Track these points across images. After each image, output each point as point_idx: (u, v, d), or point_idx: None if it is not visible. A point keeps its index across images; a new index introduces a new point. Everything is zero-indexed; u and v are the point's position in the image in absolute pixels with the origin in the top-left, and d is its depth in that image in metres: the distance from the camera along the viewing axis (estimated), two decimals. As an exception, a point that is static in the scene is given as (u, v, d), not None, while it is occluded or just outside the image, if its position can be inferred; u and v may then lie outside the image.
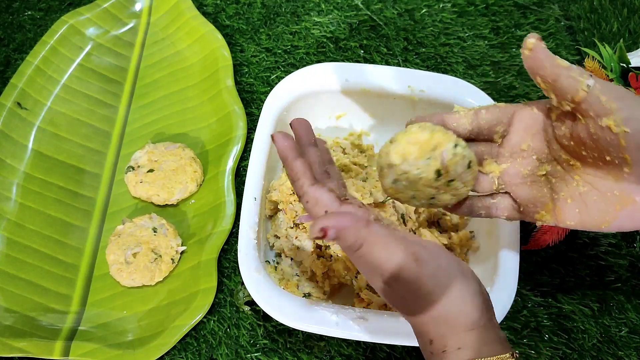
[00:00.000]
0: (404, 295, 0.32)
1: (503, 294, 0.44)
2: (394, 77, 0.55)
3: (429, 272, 0.31)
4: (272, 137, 0.37)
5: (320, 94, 0.57)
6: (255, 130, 0.53)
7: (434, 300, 0.31)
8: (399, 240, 0.31)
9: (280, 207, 0.52)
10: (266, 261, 0.51)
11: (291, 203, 0.51)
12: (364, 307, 0.48)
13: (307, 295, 0.50)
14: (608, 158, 0.32)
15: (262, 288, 0.45)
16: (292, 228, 0.51)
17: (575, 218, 0.36)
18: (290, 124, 0.40)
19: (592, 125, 0.32)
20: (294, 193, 0.51)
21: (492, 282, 0.45)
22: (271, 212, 0.54)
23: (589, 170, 0.34)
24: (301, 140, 0.40)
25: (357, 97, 0.57)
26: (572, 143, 0.34)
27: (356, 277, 0.49)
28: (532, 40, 0.32)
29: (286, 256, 0.52)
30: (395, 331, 0.43)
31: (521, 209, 0.38)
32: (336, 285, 0.51)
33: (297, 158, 0.36)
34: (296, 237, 0.51)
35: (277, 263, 0.52)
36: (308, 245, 0.51)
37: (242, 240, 0.48)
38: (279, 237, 0.52)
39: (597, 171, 0.34)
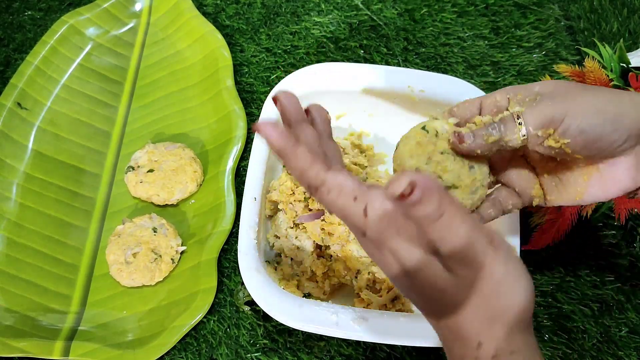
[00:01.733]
0: (464, 277, 0.27)
1: None
2: (394, 77, 0.55)
3: (501, 257, 0.26)
4: (258, 127, 0.30)
5: (320, 94, 0.57)
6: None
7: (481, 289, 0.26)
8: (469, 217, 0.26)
9: (280, 207, 0.52)
10: (266, 261, 0.51)
11: (291, 203, 0.51)
12: (364, 307, 0.48)
13: (307, 295, 0.50)
14: (559, 159, 0.37)
15: (262, 288, 0.45)
16: (292, 228, 0.51)
17: (554, 193, 0.39)
18: (273, 99, 0.35)
19: (539, 148, 0.36)
20: (294, 193, 0.51)
21: None
22: (271, 212, 0.54)
23: None
24: (292, 120, 0.35)
25: (357, 97, 0.57)
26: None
27: (356, 277, 0.49)
28: (455, 135, 0.36)
29: (286, 256, 0.52)
30: (395, 331, 0.43)
31: (517, 191, 0.40)
32: (336, 285, 0.51)
33: (298, 145, 0.29)
34: (296, 237, 0.51)
35: (277, 263, 0.52)
36: (308, 245, 0.51)
37: (242, 241, 0.48)
38: (279, 237, 0.52)
39: None
